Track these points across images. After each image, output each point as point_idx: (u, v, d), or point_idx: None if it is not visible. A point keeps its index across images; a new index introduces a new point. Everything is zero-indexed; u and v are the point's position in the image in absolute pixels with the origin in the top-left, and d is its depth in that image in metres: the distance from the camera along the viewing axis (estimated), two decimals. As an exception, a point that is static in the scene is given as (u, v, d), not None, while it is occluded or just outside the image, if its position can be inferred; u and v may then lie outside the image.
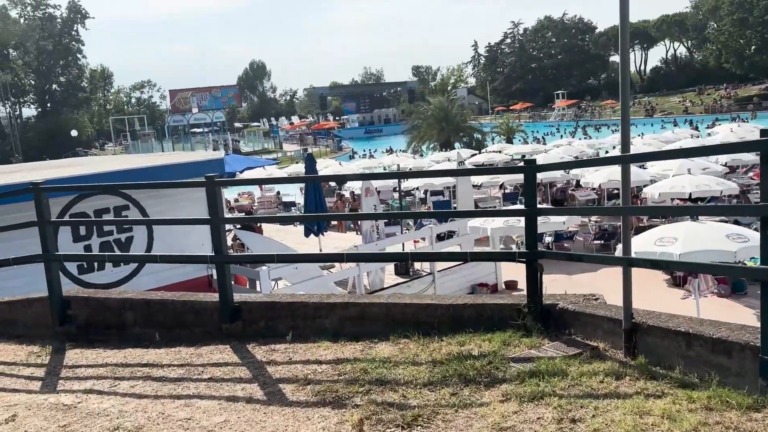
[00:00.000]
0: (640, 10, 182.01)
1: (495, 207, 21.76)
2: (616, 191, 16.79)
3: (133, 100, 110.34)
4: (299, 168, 30.30)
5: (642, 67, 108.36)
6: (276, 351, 5.09)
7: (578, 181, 20.61)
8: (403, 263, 12.73)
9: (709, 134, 28.54)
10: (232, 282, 5.59)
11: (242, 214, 20.57)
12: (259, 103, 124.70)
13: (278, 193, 30.76)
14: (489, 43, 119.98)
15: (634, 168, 16.66)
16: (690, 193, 14.13)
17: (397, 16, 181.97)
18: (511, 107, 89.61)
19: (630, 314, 4.18)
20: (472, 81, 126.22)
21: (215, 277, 6.11)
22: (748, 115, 58.07)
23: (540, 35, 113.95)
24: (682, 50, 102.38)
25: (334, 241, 15.82)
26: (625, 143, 4.14)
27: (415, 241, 13.55)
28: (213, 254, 5.63)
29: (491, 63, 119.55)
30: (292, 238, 14.75)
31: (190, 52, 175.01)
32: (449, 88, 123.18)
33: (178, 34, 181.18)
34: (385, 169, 29.65)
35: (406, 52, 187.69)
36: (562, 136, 54.87)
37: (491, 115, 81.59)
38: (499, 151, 28.45)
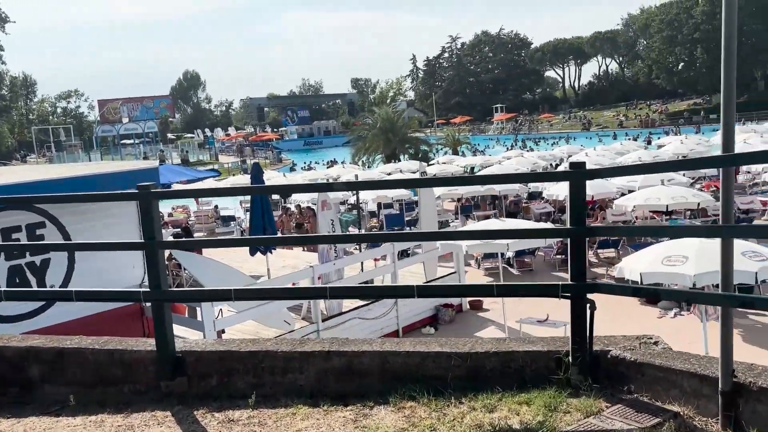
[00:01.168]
0: (574, 26, 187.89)
1: (449, 221, 20.85)
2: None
3: (59, 110, 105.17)
4: (240, 180, 28.65)
5: (576, 83, 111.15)
6: (236, 422, 3.78)
7: (533, 193, 19.93)
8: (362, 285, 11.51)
9: (659, 146, 28.62)
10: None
11: (178, 230, 18.88)
12: (194, 113, 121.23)
13: (216, 207, 29.00)
14: (427, 57, 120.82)
15: (599, 180, 16.01)
16: (667, 206, 13.56)
17: (336, 29, 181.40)
18: (450, 120, 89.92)
19: (731, 371, 3.11)
20: (411, 94, 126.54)
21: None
22: (691, 129, 59.62)
23: (477, 50, 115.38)
24: (614, 66, 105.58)
25: (284, 260, 14.42)
26: (728, 143, 3.04)
27: (375, 260, 12.36)
28: (148, 289, 4.27)
29: (430, 77, 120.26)
30: (235, 256, 13.26)
31: (122, 61, 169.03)
32: (388, 101, 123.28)
33: (108, 42, 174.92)
34: (332, 180, 28.31)
35: (345, 65, 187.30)
36: (483, 149, 54.97)
37: (431, 128, 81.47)
38: (446, 163, 27.65)
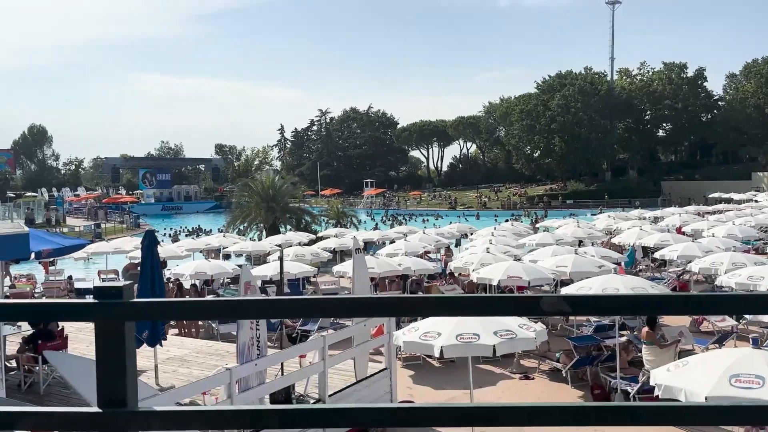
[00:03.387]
0: (437, 110, 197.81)
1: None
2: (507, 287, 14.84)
3: None
4: (123, 243, 24.79)
5: (439, 163, 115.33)
6: None
7: (451, 273, 18.64)
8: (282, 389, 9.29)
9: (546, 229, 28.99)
10: None
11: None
12: (38, 171, 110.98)
13: (70, 277, 24.98)
14: (296, 129, 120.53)
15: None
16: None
17: (198, 93, 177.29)
18: (321, 192, 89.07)
19: None
20: (277, 164, 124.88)
21: None
22: (541, 212, 62.48)
23: (346, 125, 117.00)
24: (473, 149, 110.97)
25: (169, 350, 11.73)
26: None
27: (300, 356, 10.16)
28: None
29: (298, 148, 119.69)
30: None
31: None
32: (253, 168, 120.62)
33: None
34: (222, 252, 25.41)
35: (208, 130, 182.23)
36: (376, 223, 54.35)
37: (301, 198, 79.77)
38: (338, 236, 25.97)
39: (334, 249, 23.08)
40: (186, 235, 48.53)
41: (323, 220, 36.75)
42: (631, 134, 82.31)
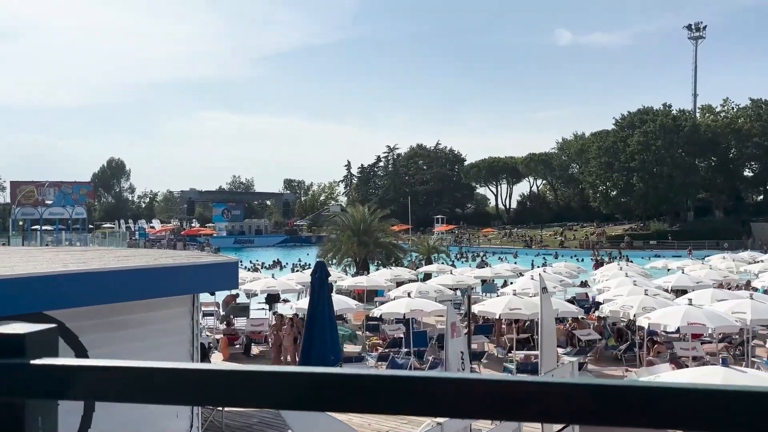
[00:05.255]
0: (502, 147, 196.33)
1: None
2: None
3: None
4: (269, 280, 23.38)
5: (507, 201, 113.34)
6: None
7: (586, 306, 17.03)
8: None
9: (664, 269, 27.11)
10: None
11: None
12: (115, 203, 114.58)
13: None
14: (362, 165, 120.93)
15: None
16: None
17: (264, 130, 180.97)
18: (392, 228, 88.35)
19: None
20: (343, 199, 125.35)
21: None
22: (638, 253, 59.97)
23: (413, 162, 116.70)
24: (543, 186, 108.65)
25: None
26: None
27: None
28: None
29: (364, 183, 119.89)
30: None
31: (38, 144, 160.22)
32: (318, 203, 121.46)
33: (24, 124, 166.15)
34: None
35: (275, 165, 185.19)
36: (453, 261, 53.02)
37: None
38: (444, 273, 24.83)
39: (452, 286, 21.80)
40: (267, 269, 48.33)
41: (413, 255, 35.78)
42: (715, 173, 78.88)
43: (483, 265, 41.46)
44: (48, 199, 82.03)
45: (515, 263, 43.96)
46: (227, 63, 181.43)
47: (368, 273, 27.24)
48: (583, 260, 51.01)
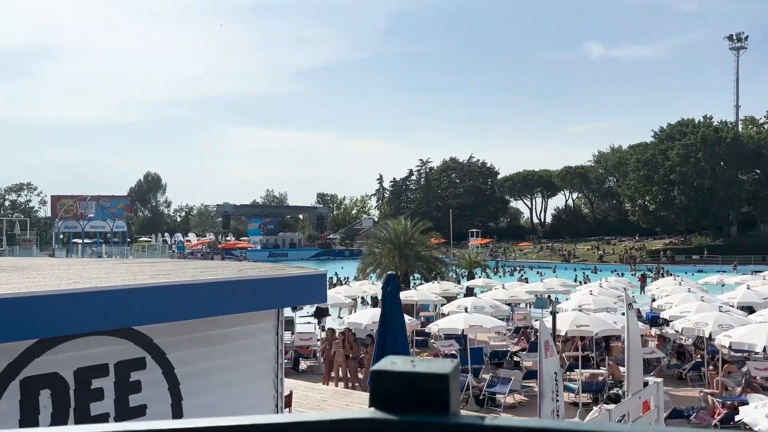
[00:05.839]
0: (537, 160, 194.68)
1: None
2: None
3: (6, 203, 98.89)
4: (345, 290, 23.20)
5: (542, 214, 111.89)
6: None
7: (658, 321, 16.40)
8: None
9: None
10: None
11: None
12: (152, 216, 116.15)
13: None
14: (394, 178, 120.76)
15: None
16: None
17: (295, 145, 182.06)
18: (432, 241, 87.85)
19: None
20: (375, 213, 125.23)
21: None
22: (680, 267, 58.53)
23: (445, 175, 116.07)
24: (580, 200, 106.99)
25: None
26: None
27: None
28: None
29: (396, 197, 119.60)
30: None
31: (77, 159, 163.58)
32: (350, 217, 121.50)
33: (63, 140, 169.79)
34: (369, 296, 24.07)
35: (308, 179, 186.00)
36: (488, 275, 52.23)
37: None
38: (490, 288, 24.27)
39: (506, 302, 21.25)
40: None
41: (454, 269, 35.27)
42: (759, 186, 76.82)
43: (524, 280, 40.70)
44: (88, 212, 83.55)
45: (554, 277, 43.12)
46: (261, 79, 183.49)
47: (408, 287, 26.89)
48: (623, 275, 49.81)
